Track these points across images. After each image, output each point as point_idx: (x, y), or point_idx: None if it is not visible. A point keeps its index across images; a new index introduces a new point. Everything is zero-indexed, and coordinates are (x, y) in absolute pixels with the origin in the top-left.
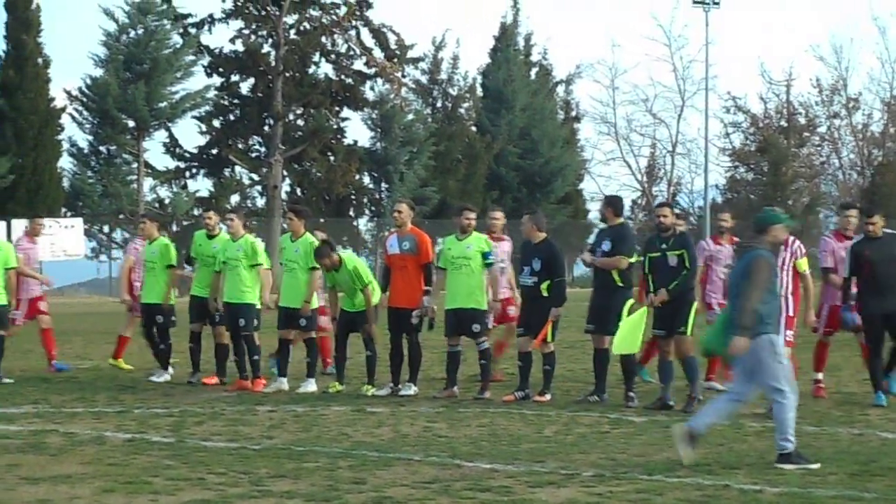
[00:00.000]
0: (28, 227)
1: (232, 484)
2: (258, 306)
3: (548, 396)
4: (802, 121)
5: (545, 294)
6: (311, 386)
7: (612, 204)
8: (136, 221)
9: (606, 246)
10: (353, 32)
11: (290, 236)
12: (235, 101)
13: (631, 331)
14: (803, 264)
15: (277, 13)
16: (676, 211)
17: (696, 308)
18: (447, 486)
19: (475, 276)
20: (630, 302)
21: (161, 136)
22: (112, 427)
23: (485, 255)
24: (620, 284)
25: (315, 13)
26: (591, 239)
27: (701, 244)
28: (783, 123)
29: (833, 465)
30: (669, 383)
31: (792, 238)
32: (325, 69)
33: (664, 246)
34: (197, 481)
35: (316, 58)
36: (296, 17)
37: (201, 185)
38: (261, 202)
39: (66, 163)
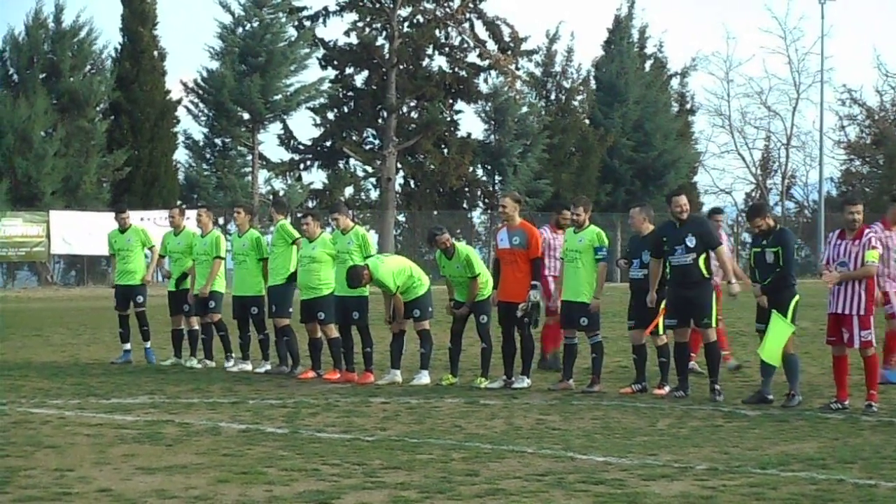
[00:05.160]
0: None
1: (346, 475)
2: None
3: (666, 389)
4: None
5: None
6: (424, 378)
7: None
8: (230, 212)
9: (691, 241)
10: (466, 25)
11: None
12: (349, 93)
13: (778, 341)
14: (871, 255)
15: (391, 6)
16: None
17: (797, 302)
18: (560, 478)
19: (582, 270)
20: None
21: (276, 128)
22: (227, 418)
23: (596, 250)
24: (707, 276)
25: (429, 6)
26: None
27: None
28: None
29: None
30: (770, 377)
31: (867, 230)
32: (439, 62)
33: (764, 242)
34: (311, 472)
35: (429, 50)
36: (409, 9)
37: (315, 178)
38: (374, 194)
39: (181, 155)
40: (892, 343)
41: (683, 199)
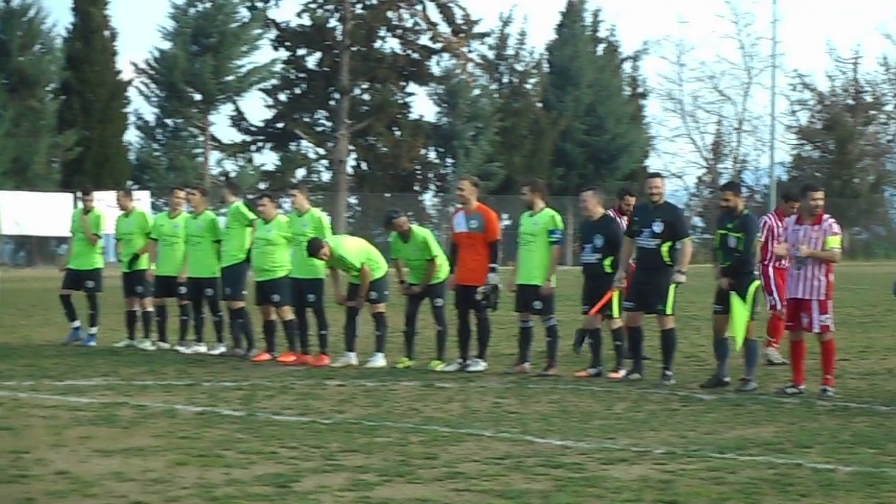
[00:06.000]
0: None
1: (304, 458)
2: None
3: (622, 372)
4: (869, 99)
5: (608, 270)
6: (380, 361)
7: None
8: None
9: (658, 227)
10: (419, 7)
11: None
12: (302, 75)
13: (740, 324)
14: (832, 241)
15: None
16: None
17: (757, 288)
18: (519, 462)
19: (536, 254)
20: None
21: (227, 109)
22: (182, 400)
23: (550, 233)
24: (669, 263)
25: None
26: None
27: None
28: (850, 101)
29: None
30: (725, 360)
31: (826, 216)
32: (392, 44)
33: (729, 226)
34: (269, 455)
35: (382, 32)
36: None
37: (267, 159)
38: (326, 176)
39: (132, 136)
40: None
41: (657, 182)
